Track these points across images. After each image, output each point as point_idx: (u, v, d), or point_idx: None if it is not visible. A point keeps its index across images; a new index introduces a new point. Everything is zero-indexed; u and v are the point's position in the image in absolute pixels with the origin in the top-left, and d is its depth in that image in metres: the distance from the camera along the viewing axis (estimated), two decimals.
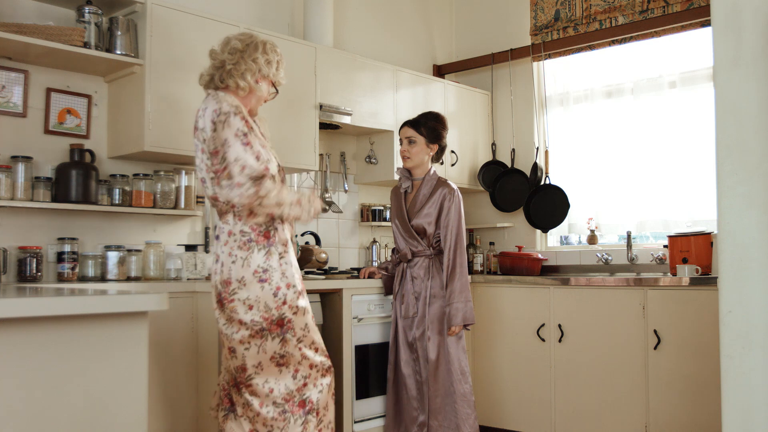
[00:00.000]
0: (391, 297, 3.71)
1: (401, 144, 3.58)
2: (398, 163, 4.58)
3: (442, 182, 3.57)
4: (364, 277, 3.74)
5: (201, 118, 2.65)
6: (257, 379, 2.64)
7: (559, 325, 4.07)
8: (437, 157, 3.64)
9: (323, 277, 3.87)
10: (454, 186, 3.56)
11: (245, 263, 2.63)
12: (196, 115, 2.71)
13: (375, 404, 3.75)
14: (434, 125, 3.53)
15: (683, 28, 4.39)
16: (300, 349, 2.70)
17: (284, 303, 2.65)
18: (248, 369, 2.64)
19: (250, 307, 2.61)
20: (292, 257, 2.74)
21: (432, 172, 3.59)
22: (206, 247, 3.90)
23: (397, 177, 3.87)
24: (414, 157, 3.52)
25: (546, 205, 4.85)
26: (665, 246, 4.26)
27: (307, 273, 4.14)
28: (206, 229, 3.91)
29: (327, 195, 4.51)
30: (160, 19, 3.42)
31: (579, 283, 4.03)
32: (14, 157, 3.19)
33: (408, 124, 3.57)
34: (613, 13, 4.66)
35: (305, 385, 2.71)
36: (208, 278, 3.62)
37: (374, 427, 3.74)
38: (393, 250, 3.81)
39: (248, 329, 2.61)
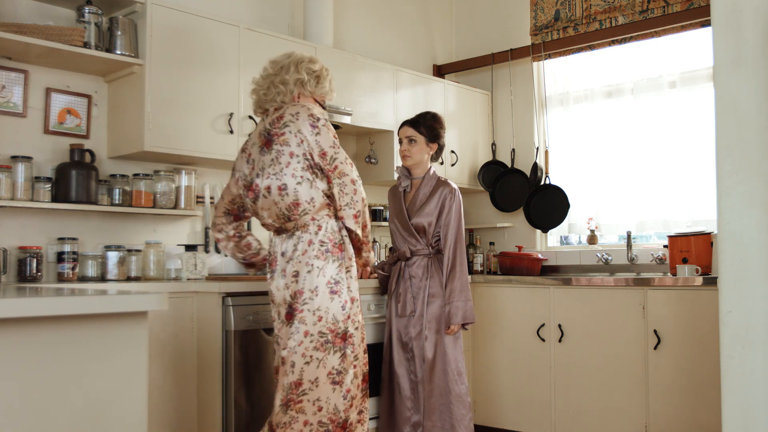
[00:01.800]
0: (386, 296, 3.71)
1: (401, 144, 3.59)
2: (399, 162, 4.58)
3: (442, 182, 3.57)
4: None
5: (254, 146, 2.79)
6: (310, 395, 2.62)
7: (559, 325, 4.07)
8: (436, 157, 3.65)
9: None
10: (455, 186, 3.56)
11: (321, 273, 2.66)
12: (245, 148, 2.86)
13: (372, 404, 3.75)
14: (433, 124, 3.54)
15: (683, 28, 4.40)
16: (354, 366, 2.72)
17: (349, 317, 2.69)
18: (303, 384, 2.62)
19: (320, 318, 2.64)
20: (355, 272, 2.81)
21: (432, 171, 3.59)
22: (206, 247, 3.90)
23: (396, 176, 3.86)
24: (414, 156, 3.53)
25: (546, 205, 4.85)
26: (665, 246, 4.26)
27: None
28: (206, 229, 3.91)
29: None
30: (160, 19, 3.42)
31: (579, 283, 4.03)
32: (14, 157, 3.19)
33: (408, 123, 3.58)
34: (613, 13, 4.66)
35: (351, 406, 2.72)
36: (208, 278, 3.63)
37: (375, 426, 3.73)
38: (390, 249, 3.80)
39: (313, 341, 2.62)
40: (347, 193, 2.72)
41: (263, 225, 2.86)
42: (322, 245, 2.68)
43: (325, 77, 2.88)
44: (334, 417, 2.66)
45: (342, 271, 2.71)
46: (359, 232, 2.78)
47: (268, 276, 2.80)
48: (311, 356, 2.62)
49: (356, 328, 2.72)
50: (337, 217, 2.76)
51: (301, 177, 2.67)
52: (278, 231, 2.79)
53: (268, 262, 2.82)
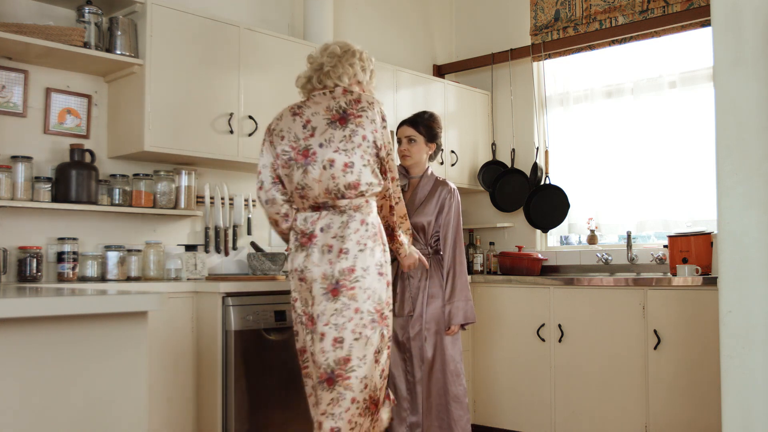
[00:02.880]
0: None
1: (400, 143, 3.59)
2: (397, 162, 4.58)
3: (441, 181, 3.57)
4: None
5: (316, 115, 2.77)
6: (358, 372, 2.65)
7: (559, 325, 4.07)
8: (434, 156, 3.65)
9: None
10: (453, 186, 3.56)
11: (372, 254, 2.72)
12: (300, 113, 2.81)
13: None
14: (431, 124, 3.54)
15: (683, 28, 4.40)
16: (388, 347, 2.80)
17: (388, 299, 2.79)
18: (352, 360, 2.64)
19: (369, 297, 2.69)
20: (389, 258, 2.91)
21: (430, 171, 3.59)
22: (206, 247, 3.90)
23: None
24: (414, 155, 3.53)
25: (546, 205, 4.85)
26: (665, 246, 4.26)
27: None
28: (206, 229, 3.91)
29: None
30: (160, 19, 3.42)
31: (579, 283, 4.03)
32: (14, 157, 3.19)
33: (407, 123, 3.58)
34: (613, 13, 4.66)
35: (384, 385, 2.80)
36: (208, 278, 3.63)
37: None
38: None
39: (363, 319, 2.67)
40: (396, 190, 2.95)
41: (295, 197, 2.80)
42: (372, 227, 2.76)
43: (374, 76, 3.02)
44: (373, 395, 2.72)
45: (386, 254, 2.81)
46: (401, 229, 3.04)
47: (297, 250, 2.76)
48: (360, 333, 2.65)
49: (390, 311, 2.82)
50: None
51: (368, 161, 2.74)
52: (318, 207, 2.76)
53: (297, 236, 2.78)
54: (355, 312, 2.65)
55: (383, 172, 2.84)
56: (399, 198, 2.98)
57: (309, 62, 2.92)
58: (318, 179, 2.71)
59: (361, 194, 2.73)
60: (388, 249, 2.85)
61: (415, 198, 3.54)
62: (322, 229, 2.73)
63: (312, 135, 2.75)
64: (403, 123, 3.59)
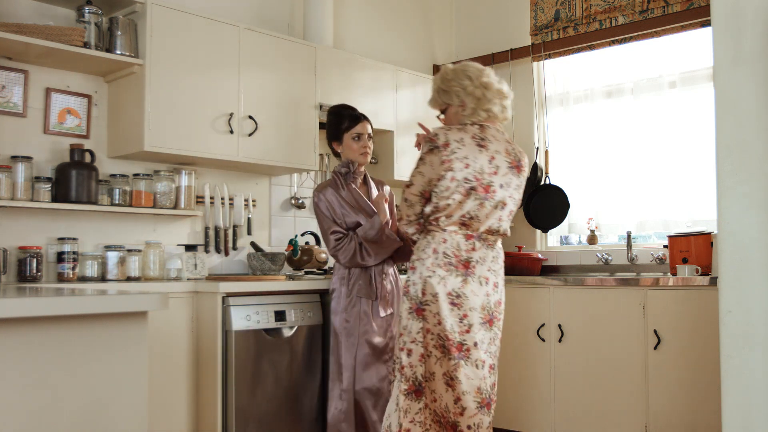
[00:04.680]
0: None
1: (359, 139, 3.38)
2: (399, 162, 4.59)
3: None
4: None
5: (498, 154, 2.89)
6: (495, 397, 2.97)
7: (559, 325, 4.07)
8: None
9: (323, 276, 3.88)
10: None
11: (503, 289, 3.00)
12: (485, 146, 2.86)
13: None
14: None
15: (683, 28, 4.39)
16: None
17: None
18: (496, 385, 2.92)
19: (500, 329, 2.98)
20: None
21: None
22: (206, 247, 3.90)
23: (343, 171, 3.44)
24: (370, 152, 3.45)
25: (546, 205, 4.85)
26: (665, 246, 4.26)
27: (306, 273, 4.15)
28: (206, 229, 3.91)
29: None
30: (160, 19, 3.42)
31: (579, 283, 4.03)
32: (14, 157, 3.19)
33: (366, 119, 3.42)
34: (613, 13, 4.66)
35: None
36: (208, 278, 3.63)
37: None
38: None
39: (498, 348, 2.96)
40: None
41: (450, 220, 2.83)
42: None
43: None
44: None
45: None
46: None
47: (451, 274, 2.79)
48: (497, 361, 2.94)
49: None
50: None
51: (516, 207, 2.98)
52: (471, 237, 2.85)
53: (450, 258, 2.81)
54: (498, 342, 2.93)
55: None
56: None
57: (470, 90, 2.90)
58: (487, 216, 2.84)
59: (504, 235, 2.96)
60: None
61: (371, 195, 3.46)
62: (477, 261, 2.84)
63: (495, 173, 2.86)
64: (363, 118, 3.43)
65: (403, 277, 3.86)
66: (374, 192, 3.46)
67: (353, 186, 3.40)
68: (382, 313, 3.30)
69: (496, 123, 2.95)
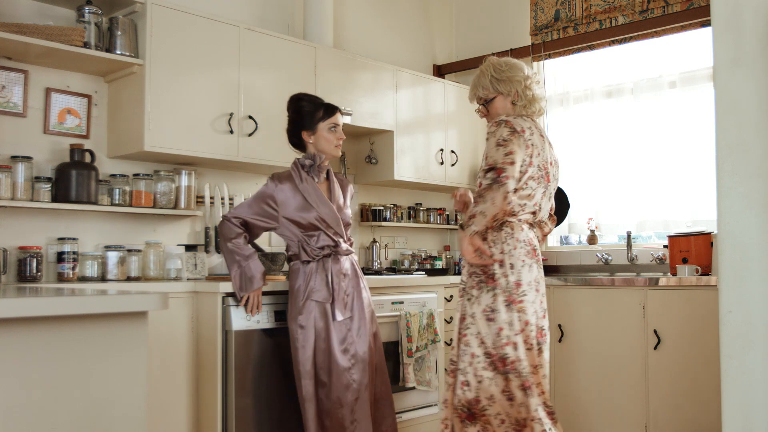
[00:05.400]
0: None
1: (334, 131, 3.17)
2: (399, 162, 4.59)
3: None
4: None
5: (548, 147, 3.04)
6: None
7: (559, 325, 4.07)
8: None
9: None
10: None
11: None
12: (543, 138, 3.01)
13: None
14: None
15: (683, 28, 4.40)
16: None
17: None
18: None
19: None
20: None
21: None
22: (206, 247, 3.90)
23: (306, 163, 3.19)
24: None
25: None
26: (665, 246, 4.26)
27: None
28: (206, 229, 3.91)
29: None
30: (160, 19, 3.42)
31: (579, 283, 4.03)
32: (14, 157, 3.19)
33: (339, 110, 3.22)
34: (613, 13, 4.66)
35: None
36: (208, 278, 3.62)
37: None
38: (289, 250, 3.20)
39: None
40: None
41: (530, 210, 2.95)
42: None
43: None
44: None
45: None
46: None
47: (531, 262, 2.88)
48: None
49: None
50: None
51: None
52: (534, 225, 3.00)
53: (528, 248, 2.88)
54: None
55: None
56: None
57: (527, 83, 3.03)
58: (544, 205, 3.00)
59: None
60: None
61: (332, 190, 3.24)
62: (536, 247, 2.94)
63: (552, 164, 3.03)
64: (337, 110, 3.22)
65: (373, 277, 3.85)
66: (337, 189, 3.22)
67: (315, 180, 3.16)
68: (340, 317, 3.07)
69: (536, 119, 3.08)
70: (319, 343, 3.06)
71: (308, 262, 3.12)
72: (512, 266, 2.81)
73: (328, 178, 3.26)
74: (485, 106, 3.10)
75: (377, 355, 3.20)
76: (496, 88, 3.05)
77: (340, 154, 3.23)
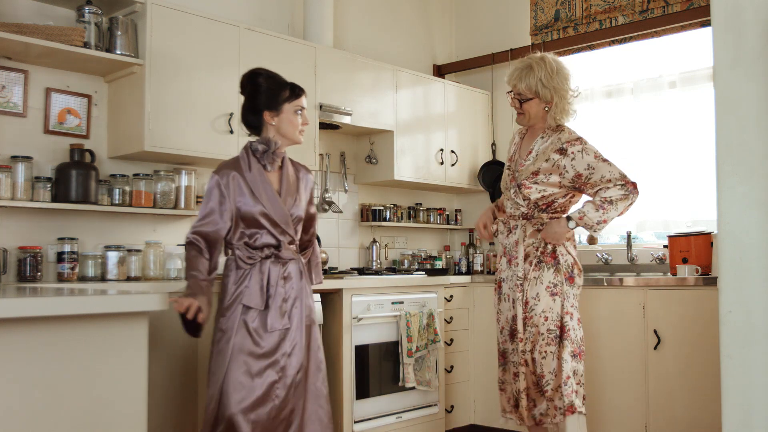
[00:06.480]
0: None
1: (300, 114, 2.86)
2: (399, 162, 4.59)
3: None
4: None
5: None
6: None
7: None
8: None
9: (323, 276, 3.87)
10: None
11: None
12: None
13: (375, 404, 3.75)
14: None
15: (683, 28, 4.39)
16: None
17: None
18: None
19: None
20: None
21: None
22: None
23: (259, 149, 2.82)
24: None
25: None
26: (665, 246, 4.26)
27: None
28: None
29: (327, 195, 4.51)
30: (160, 19, 3.42)
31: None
32: (14, 157, 3.19)
33: (305, 92, 2.91)
34: (613, 13, 4.66)
35: None
36: None
37: (374, 427, 3.74)
38: (257, 247, 2.78)
39: None
40: None
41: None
42: None
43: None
44: None
45: None
46: None
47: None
48: None
49: None
50: None
51: None
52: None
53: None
54: None
55: None
56: None
57: (569, 100, 3.35)
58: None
59: None
60: None
61: (286, 183, 2.86)
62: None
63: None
64: (302, 92, 2.90)
65: (373, 277, 3.82)
66: (290, 179, 2.86)
67: (268, 169, 2.81)
68: (278, 326, 2.72)
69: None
70: (237, 352, 2.70)
71: (244, 261, 2.77)
72: (569, 248, 3.28)
73: (283, 166, 2.88)
74: (521, 101, 3.29)
75: (313, 376, 2.83)
76: (537, 91, 3.22)
77: (302, 141, 2.91)
